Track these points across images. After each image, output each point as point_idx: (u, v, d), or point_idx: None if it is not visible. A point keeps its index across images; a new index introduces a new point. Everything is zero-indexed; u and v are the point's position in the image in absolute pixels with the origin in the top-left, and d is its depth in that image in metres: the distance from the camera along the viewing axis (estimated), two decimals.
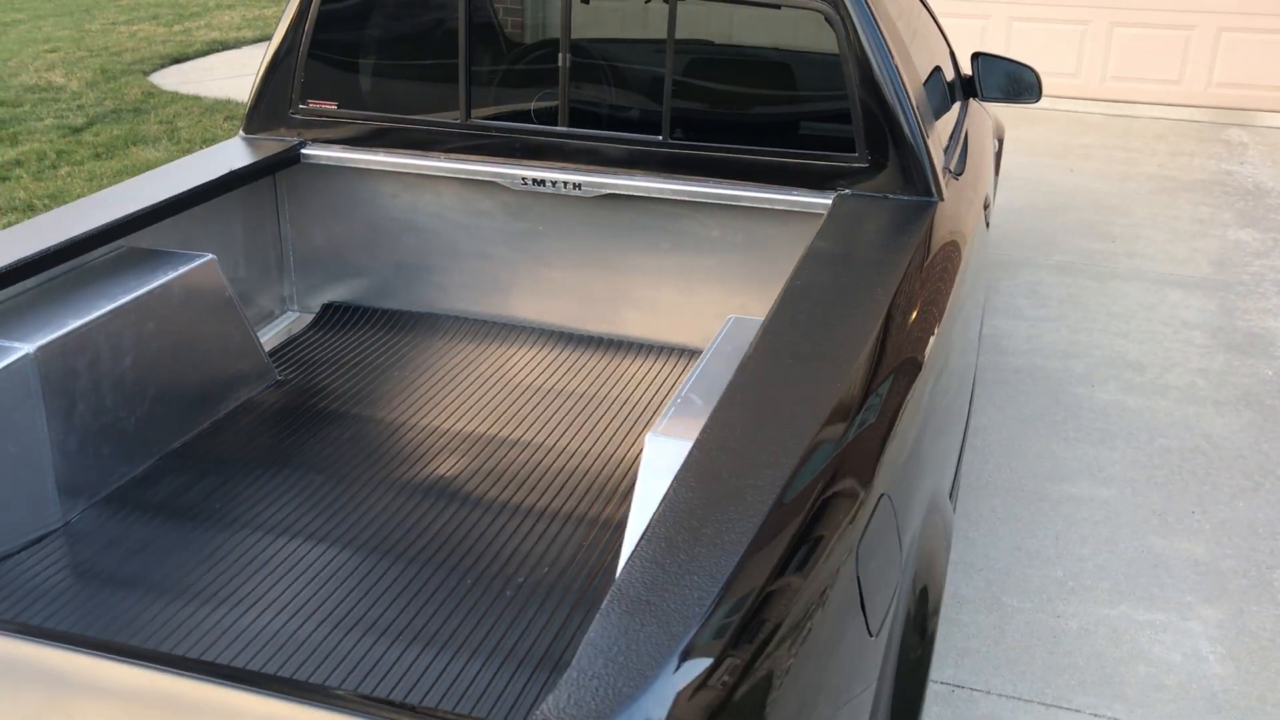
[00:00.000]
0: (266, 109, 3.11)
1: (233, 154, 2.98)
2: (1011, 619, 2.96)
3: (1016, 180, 6.56)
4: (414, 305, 3.20)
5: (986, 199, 3.01)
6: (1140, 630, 2.92)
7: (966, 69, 5.00)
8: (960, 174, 3.07)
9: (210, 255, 2.58)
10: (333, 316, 3.19)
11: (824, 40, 2.66)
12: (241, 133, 3.15)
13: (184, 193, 2.69)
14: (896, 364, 1.88)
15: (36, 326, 2.22)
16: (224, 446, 2.54)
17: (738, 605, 1.28)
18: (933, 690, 2.71)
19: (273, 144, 3.06)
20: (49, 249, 2.35)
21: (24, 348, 2.13)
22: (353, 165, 3.04)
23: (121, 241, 2.61)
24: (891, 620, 1.62)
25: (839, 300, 2.04)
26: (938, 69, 3.34)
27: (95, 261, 2.53)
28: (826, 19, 2.62)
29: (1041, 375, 4.25)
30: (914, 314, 2.07)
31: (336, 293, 3.24)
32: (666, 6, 2.75)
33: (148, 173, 2.87)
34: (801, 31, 2.69)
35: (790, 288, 2.10)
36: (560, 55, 2.83)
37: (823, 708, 1.36)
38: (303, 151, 3.05)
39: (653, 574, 1.32)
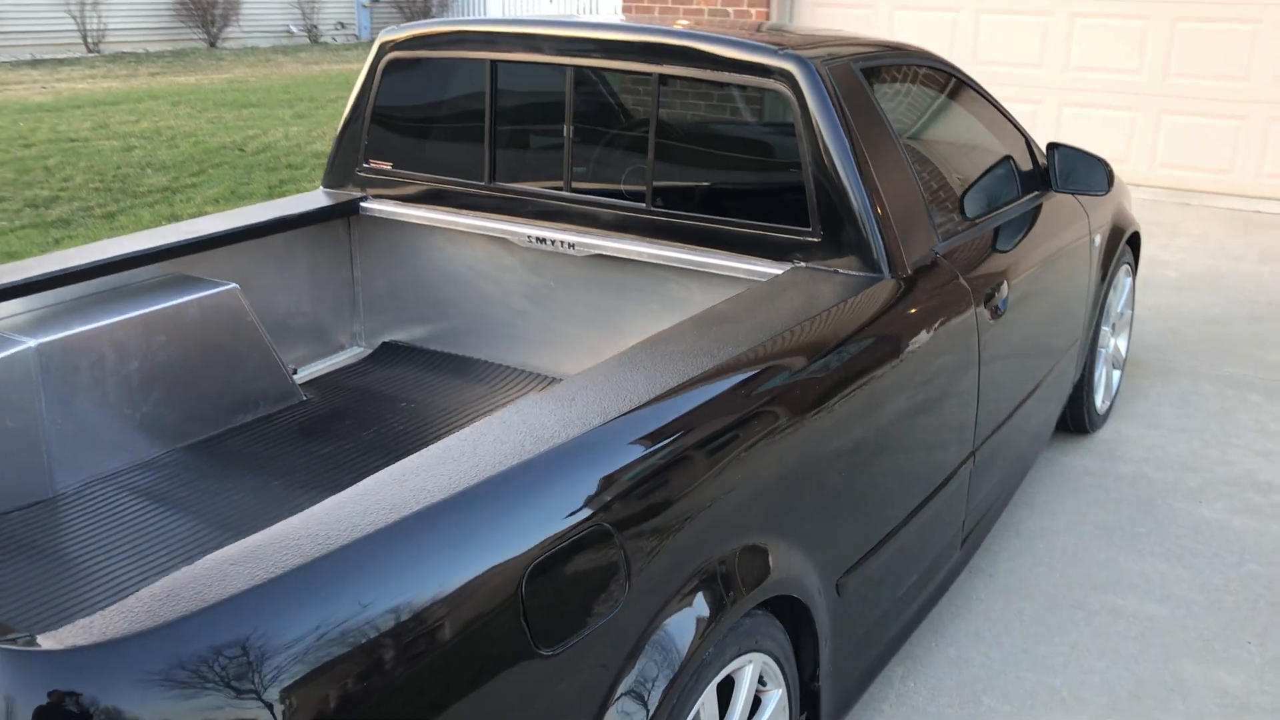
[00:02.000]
0: (340, 166, 3.51)
1: (302, 203, 3.38)
2: (980, 719, 2.82)
3: (1227, 287, 6.11)
4: (454, 349, 3.47)
5: (999, 286, 2.94)
6: None
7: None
8: (1006, 253, 3.03)
9: (233, 285, 2.95)
10: (387, 354, 3.51)
11: (786, 116, 2.74)
12: (321, 187, 3.57)
13: (233, 229, 3.09)
14: (689, 417, 1.93)
15: (52, 326, 2.64)
16: (226, 450, 2.88)
17: (330, 571, 1.42)
18: None
19: (342, 196, 3.45)
20: (90, 264, 2.79)
21: (29, 342, 2.55)
22: (400, 219, 3.38)
23: (171, 265, 3.04)
24: (585, 651, 1.68)
25: (681, 353, 2.12)
26: (999, 160, 3.29)
27: (140, 281, 2.96)
28: (784, 96, 2.70)
29: (1144, 485, 3.97)
30: (757, 377, 2.09)
31: (394, 333, 3.57)
32: (656, 85, 2.93)
33: (228, 211, 3.31)
34: (768, 108, 2.78)
35: (649, 339, 2.19)
36: (565, 128, 3.06)
37: (436, 688, 1.47)
38: (362, 205, 3.42)
39: (284, 538, 1.48)
